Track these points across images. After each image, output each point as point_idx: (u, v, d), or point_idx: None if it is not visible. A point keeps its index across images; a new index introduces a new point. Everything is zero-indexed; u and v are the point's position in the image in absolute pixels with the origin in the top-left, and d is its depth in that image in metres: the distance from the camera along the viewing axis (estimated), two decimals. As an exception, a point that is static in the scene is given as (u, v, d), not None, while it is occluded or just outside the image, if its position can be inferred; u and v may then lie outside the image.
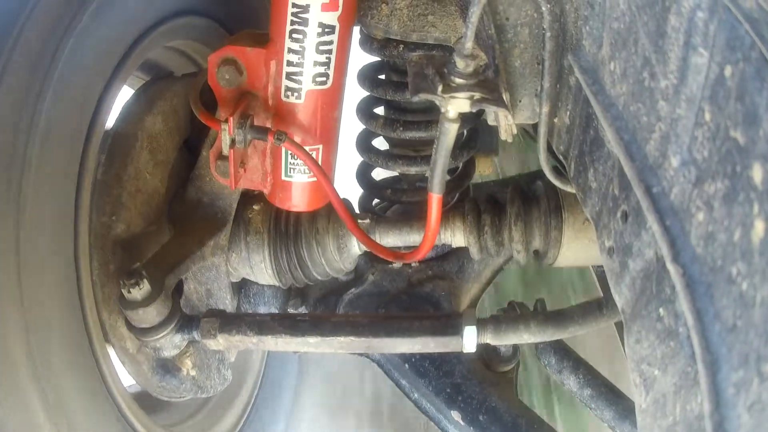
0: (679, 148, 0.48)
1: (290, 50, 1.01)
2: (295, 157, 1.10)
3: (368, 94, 1.26)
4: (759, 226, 0.38)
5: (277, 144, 1.01)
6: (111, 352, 1.08)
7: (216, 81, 1.02)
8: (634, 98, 0.57)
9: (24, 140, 0.86)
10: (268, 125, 1.06)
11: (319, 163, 1.12)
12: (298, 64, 1.02)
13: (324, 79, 1.04)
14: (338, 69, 1.05)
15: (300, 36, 0.99)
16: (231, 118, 0.97)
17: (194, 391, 1.20)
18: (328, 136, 1.14)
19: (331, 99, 1.09)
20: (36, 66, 0.87)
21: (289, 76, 1.03)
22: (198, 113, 1.05)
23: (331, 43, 1.01)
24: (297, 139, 1.08)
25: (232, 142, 0.99)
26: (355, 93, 1.24)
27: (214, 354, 1.24)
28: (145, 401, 1.22)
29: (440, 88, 0.76)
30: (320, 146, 1.12)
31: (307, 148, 1.08)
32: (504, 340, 1.10)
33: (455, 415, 1.27)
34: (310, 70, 1.03)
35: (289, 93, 1.05)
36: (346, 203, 1.24)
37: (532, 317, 1.10)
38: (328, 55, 1.02)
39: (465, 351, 1.08)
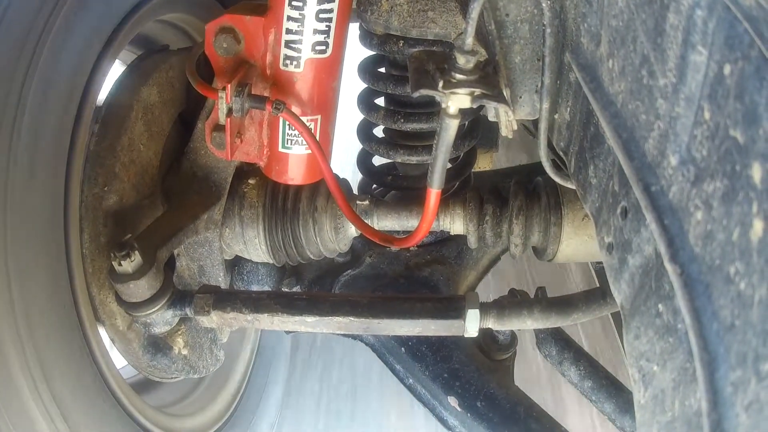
0: (678, 146, 0.48)
1: (289, 18, 0.99)
2: (293, 128, 1.07)
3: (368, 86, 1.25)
4: (758, 225, 0.38)
5: (275, 113, 0.99)
6: (101, 330, 1.05)
7: (213, 49, 1.01)
8: (632, 96, 0.57)
9: (13, 112, 0.84)
10: (267, 95, 1.04)
11: (318, 134, 1.09)
12: (297, 32, 1.00)
13: (323, 47, 1.03)
14: (338, 38, 1.04)
15: (300, 3, 0.98)
16: (228, 86, 0.95)
17: (186, 371, 1.17)
18: (327, 107, 1.12)
19: (331, 68, 1.07)
20: (26, 37, 0.85)
21: (288, 44, 1.01)
22: (194, 83, 1.03)
23: (331, 11, 0.99)
24: (295, 109, 1.06)
25: (229, 110, 0.97)
26: (355, 84, 1.24)
27: (207, 333, 1.21)
28: (138, 382, 1.20)
29: (441, 84, 0.76)
30: (318, 117, 1.10)
31: (305, 118, 1.06)
32: (507, 325, 1.08)
33: (452, 400, 1.24)
34: (309, 39, 1.01)
35: (287, 62, 1.03)
36: (342, 182, 1.21)
37: (536, 303, 1.08)
38: (327, 23, 1.00)
39: (467, 335, 1.06)
